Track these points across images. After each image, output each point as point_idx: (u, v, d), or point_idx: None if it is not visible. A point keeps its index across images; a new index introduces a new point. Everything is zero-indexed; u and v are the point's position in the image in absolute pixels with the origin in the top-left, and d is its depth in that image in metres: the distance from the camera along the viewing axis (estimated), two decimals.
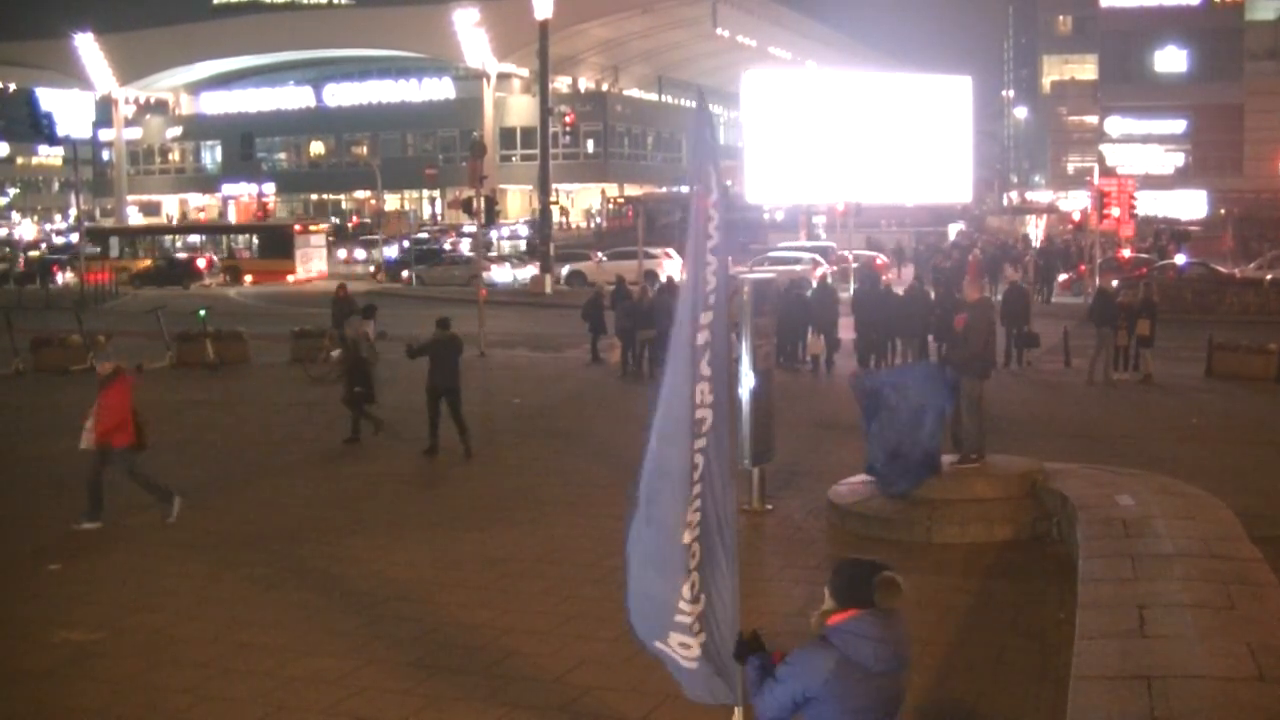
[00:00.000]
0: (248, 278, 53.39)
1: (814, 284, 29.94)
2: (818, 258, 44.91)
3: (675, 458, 6.11)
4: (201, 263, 54.19)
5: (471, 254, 54.00)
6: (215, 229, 68.12)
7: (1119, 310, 22.96)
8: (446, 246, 59.97)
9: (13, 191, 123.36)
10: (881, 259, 45.14)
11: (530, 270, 50.55)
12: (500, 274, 50.56)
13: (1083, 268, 42.13)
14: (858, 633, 4.61)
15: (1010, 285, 27.82)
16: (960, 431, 12.69)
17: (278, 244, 54.92)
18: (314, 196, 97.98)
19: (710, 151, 6.35)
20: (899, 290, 25.86)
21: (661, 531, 6.16)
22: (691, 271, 6.24)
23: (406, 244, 59.23)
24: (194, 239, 61.69)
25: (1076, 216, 42.25)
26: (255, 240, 57.57)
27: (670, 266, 47.29)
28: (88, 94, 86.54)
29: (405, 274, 51.86)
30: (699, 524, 6.20)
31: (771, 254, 45.80)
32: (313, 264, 55.54)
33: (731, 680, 6.35)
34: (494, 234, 61.04)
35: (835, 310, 25.05)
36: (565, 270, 49.48)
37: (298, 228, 58.11)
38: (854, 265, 41.47)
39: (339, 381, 23.11)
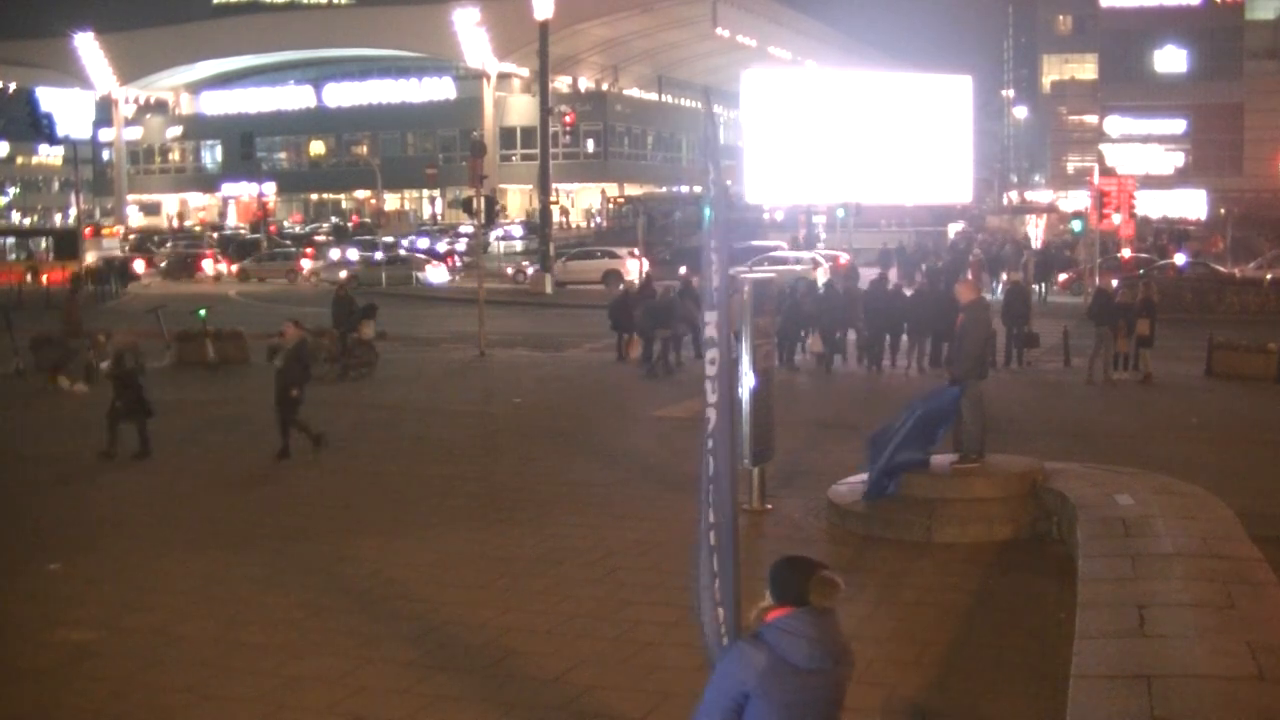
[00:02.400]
0: (44, 277, 54.40)
1: (818, 283, 29.96)
2: (818, 258, 45.02)
3: (702, 459, 6.22)
4: (139, 265, 56.55)
5: (407, 255, 54.79)
6: (18, 232, 72.57)
7: (1119, 310, 22.94)
8: (442, 247, 60.15)
9: (13, 191, 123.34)
10: (844, 259, 45.21)
11: (442, 271, 51.50)
12: (435, 274, 50.99)
13: (1074, 271, 42.35)
14: (790, 630, 4.61)
15: (1012, 285, 27.87)
16: (960, 431, 12.69)
17: (68, 246, 56.87)
18: (314, 196, 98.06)
19: (711, 150, 6.36)
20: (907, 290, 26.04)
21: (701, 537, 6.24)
22: (707, 273, 6.29)
23: (404, 243, 59.61)
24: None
25: (1076, 226, 42.03)
26: (50, 242, 59.44)
27: (634, 267, 47.73)
28: (88, 94, 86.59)
29: (343, 274, 52.39)
30: (713, 524, 6.26)
31: (772, 254, 45.83)
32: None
33: None
34: (492, 234, 61.32)
35: (843, 310, 25.05)
36: (530, 270, 49.91)
37: (88, 231, 61.31)
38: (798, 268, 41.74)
39: (340, 381, 23.24)
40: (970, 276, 31.98)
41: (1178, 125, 78.65)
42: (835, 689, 4.74)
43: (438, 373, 24.86)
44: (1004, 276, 39.30)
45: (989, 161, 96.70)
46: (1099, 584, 8.45)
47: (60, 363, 23.15)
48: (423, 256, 54.75)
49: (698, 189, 79.40)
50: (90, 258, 54.38)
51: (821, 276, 37.44)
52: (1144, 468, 12.95)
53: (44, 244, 59.29)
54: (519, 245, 66.65)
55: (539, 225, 50.16)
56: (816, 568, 4.73)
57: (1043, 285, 39.97)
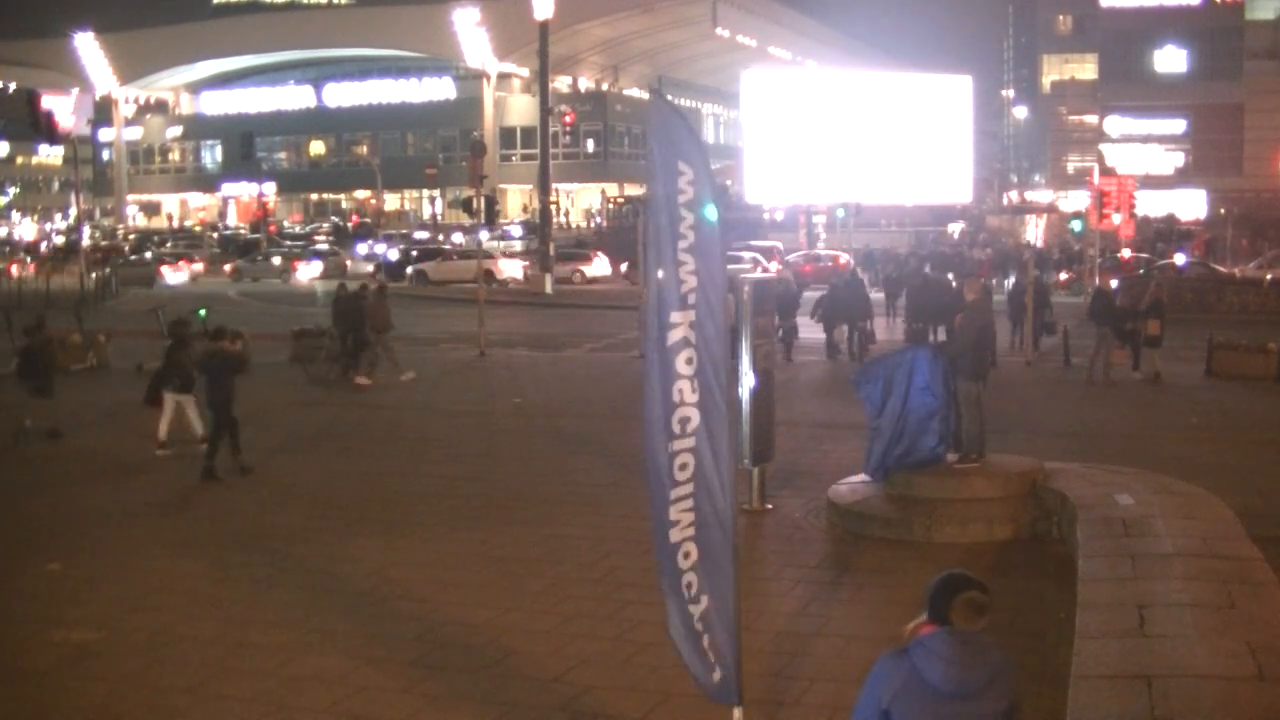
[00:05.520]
0: None
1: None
2: (759, 256, 45.41)
3: (656, 457, 6.15)
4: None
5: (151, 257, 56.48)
6: None
7: (1120, 312, 22.88)
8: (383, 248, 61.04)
9: (13, 191, 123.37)
10: (845, 259, 45.49)
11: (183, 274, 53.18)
12: (173, 277, 52.49)
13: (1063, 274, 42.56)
14: (930, 649, 4.42)
15: (1033, 280, 28.56)
16: (960, 431, 12.70)
17: None
18: (314, 196, 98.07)
19: (680, 148, 6.24)
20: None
21: (657, 537, 6.20)
22: (658, 272, 6.20)
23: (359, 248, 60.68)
24: None
25: (1076, 226, 42.14)
26: None
27: (507, 266, 48.62)
28: (88, 94, 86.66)
29: (227, 267, 56.43)
30: (692, 523, 6.20)
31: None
32: None
33: (732, 678, 6.34)
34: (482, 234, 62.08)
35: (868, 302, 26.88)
36: (410, 270, 51.09)
37: None
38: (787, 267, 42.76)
39: (340, 381, 23.25)
40: (977, 276, 32.20)
41: (1178, 125, 78.71)
42: (984, 718, 4.44)
43: (438, 373, 24.84)
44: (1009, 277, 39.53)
45: (989, 161, 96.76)
46: (1099, 584, 8.45)
47: (356, 359, 23.58)
48: (163, 259, 57.14)
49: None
50: None
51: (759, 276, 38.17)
52: (1144, 468, 12.95)
53: None
54: (517, 245, 66.77)
55: (539, 225, 50.21)
56: (966, 587, 4.52)
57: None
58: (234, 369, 15.09)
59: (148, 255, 58.45)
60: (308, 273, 54.28)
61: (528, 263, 51.89)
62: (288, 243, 66.23)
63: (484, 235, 61.85)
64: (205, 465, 14.71)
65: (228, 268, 57.23)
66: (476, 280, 46.32)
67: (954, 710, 4.37)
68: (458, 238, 64.94)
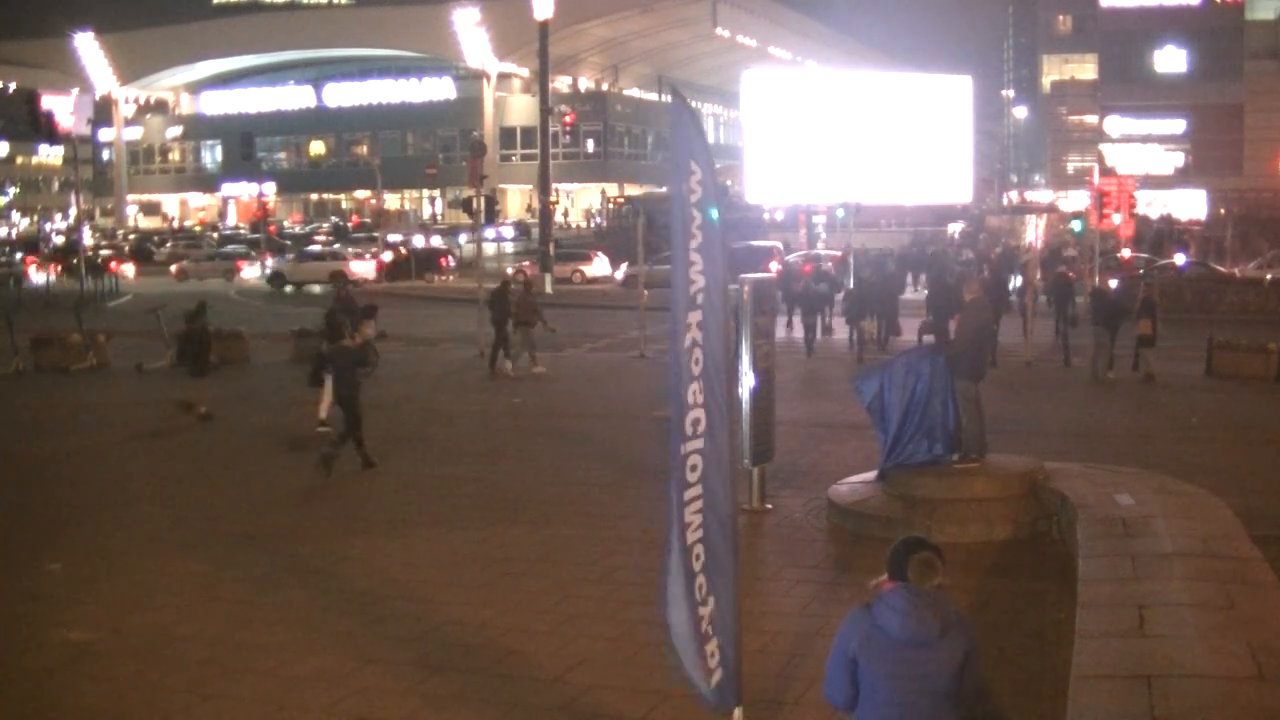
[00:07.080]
0: None
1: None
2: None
3: (674, 458, 6.15)
4: None
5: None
6: None
7: (1118, 311, 22.90)
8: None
9: (13, 191, 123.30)
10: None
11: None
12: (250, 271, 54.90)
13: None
14: (888, 603, 4.89)
15: (1057, 274, 28.80)
16: (960, 431, 12.70)
17: None
18: (314, 196, 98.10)
19: (693, 147, 6.24)
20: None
21: (670, 540, 6.19)
22: (678, 272, 6.20)
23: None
24: None
25: (1076, 226, 42.01)
26: None
27: (358, 267, 50.23)
28: (88, 94, 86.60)
29: (173, 268, 57.23)
30: (700, 525, 6.20)
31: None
32: None
33: (732, 677, 6.35)
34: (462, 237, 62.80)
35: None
36: (269, 271, 52.66)
37: None
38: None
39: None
40: (986, 275, 32.31)
41: (1178, 125, 78.72)
42: (943, 668, 4.87)
43: (437, 373, 24.85)
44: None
45: (989, 161, 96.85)
46: (1099, 584, 8.45)
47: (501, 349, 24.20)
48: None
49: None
50: None
51: None
52: (1144, 468, 12.95)
53: None
54: (510, 247, 66.76)
55: (540, 225, 50.23)
56: (920, 548, 4.98)
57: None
58: (356, 363, 15.49)
59: (17, 256, 59.43)
60: (251, 272, 55.80)
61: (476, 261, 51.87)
62: (232, 244, 66.59)
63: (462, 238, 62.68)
64: (361, 456, 15.12)
65: (173, 268, 57.44)
66: (331, 281, 48.21)
67: (909, 657, 4.83)
68: (436, 240, 64.98)
